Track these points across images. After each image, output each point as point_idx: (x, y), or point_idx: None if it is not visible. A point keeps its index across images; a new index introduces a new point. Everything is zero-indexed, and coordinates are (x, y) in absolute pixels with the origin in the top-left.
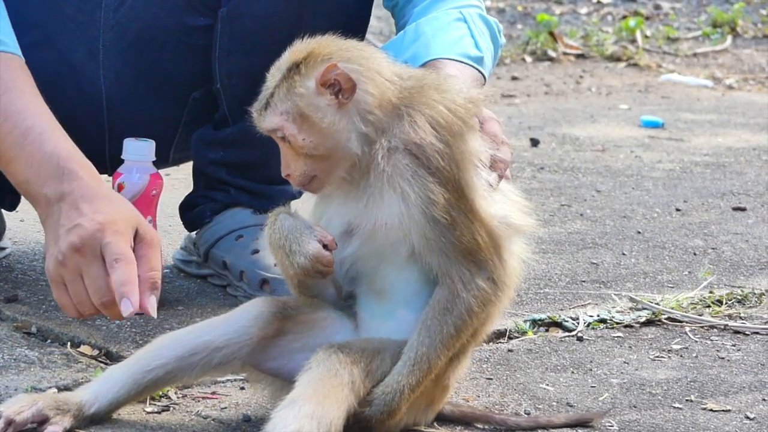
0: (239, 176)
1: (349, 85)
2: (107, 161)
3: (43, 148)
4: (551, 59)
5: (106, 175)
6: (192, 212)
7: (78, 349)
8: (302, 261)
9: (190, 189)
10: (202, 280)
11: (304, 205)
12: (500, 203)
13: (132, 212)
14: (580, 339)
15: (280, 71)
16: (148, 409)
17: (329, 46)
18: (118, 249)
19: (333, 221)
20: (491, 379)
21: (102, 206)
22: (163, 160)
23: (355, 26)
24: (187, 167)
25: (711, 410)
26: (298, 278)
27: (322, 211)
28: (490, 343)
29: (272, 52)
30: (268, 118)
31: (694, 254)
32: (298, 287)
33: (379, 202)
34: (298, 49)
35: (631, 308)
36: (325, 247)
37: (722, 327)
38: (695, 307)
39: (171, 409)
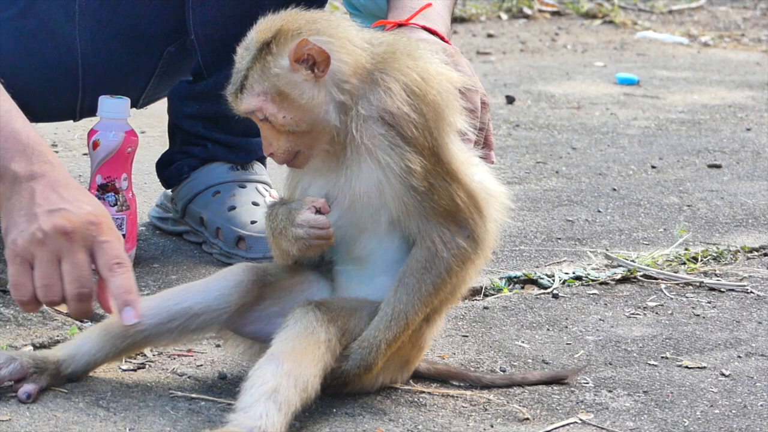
0: (215, 130)
1: (323, 57)
2: (77, 113)
3: (10, 125)
4: (527, 16)
5: (71, 121)
6: (169, 169)
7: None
8: (297, 231)
9: (166, 146)
10: (177, 238)
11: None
12: (478, 167)
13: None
14: (555, 296)
15: (249, 51)
16: (124, 367)
17: (296, 20)
18: (119, 252)
19: (309, 192)
20: (467, 336)
21: (82, 196)
22: (131, 104)
23: None
24: (162, 125)
25: (686, 367)
26: (301, 254)
27: (296, 182)
28: (466, 301)
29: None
30: (245, 100)
31: (670, 211)
32: (284, 258)
33: (356, 173)
34: (264, 27)
35: (606, 265)
36: (318, 212)
37: (697, 284)
38: (670, 264)
39: (147, 366)
